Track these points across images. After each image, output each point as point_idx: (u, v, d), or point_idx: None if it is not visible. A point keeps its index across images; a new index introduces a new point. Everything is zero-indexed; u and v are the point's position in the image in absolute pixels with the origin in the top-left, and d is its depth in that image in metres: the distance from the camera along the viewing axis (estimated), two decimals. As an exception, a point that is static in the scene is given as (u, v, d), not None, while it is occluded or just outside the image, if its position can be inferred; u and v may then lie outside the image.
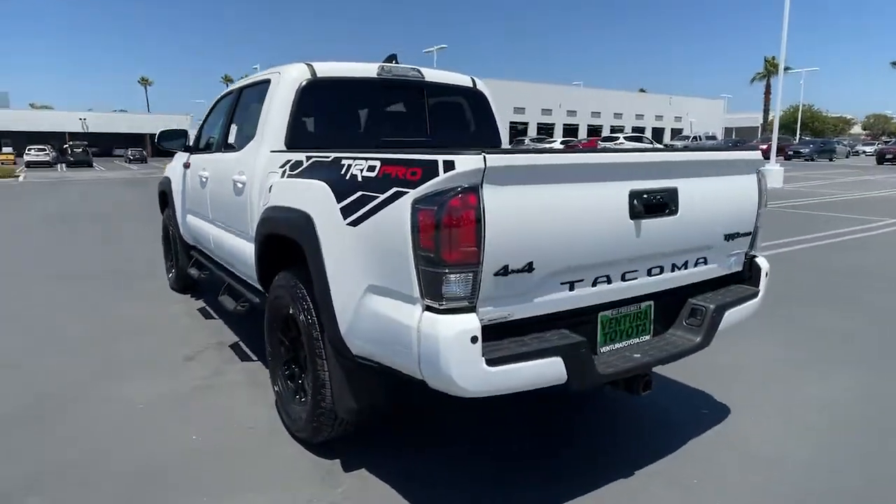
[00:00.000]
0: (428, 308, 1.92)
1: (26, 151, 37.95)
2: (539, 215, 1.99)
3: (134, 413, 3.23)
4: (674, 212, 2.34)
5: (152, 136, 6.61)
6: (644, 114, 65.85)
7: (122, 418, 3.16)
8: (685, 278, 2.58)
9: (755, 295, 2.80)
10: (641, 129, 59.82)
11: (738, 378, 3.66)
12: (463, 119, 4.21)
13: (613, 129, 59.31)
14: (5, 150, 40.96)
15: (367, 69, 3.71)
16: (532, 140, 47.38)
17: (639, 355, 2.38)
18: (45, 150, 38.63)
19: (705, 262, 2.64)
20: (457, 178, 1.87)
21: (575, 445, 2.92)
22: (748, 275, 2.87)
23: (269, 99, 3.42)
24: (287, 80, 3.40)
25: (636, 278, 2.37)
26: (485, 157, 1.86)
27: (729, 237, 2.65)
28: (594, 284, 2.24)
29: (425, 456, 2.80)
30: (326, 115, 3.66)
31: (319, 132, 3.56)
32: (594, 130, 60.16)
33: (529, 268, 1.98)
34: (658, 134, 62.81)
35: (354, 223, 2.21)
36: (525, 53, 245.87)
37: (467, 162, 1.86)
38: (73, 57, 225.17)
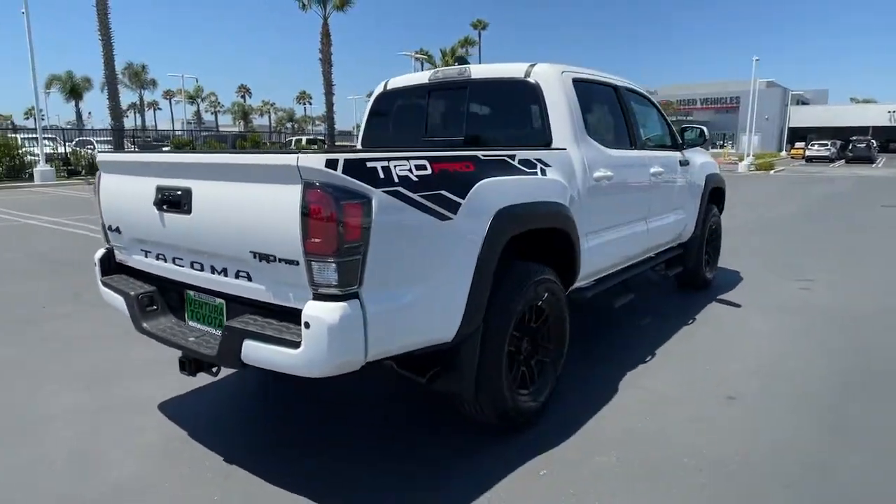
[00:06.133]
0: None
1: (808, 146, 41.30)
2: (118, 194, 2.90)
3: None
4: (186, 211, 2.45)
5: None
6: None
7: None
8: (229, 287, 2.43)
9: (294, 345, 2.13)
10: None
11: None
12: (509, 114, 3.91)
13: None
14: (798, 144, 44.24)
15: (422, 76, 4.04)
16: None
17: (193, 340, 2.53)
18: (826, 145, 40.80)
19: (249, 279, 2.33)
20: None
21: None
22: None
23: None
24: (374, 93, 4.34)
25: (183, 266, 2.63)
26: (95, 154, 3.01)
27: (264, 258, 2.21)
28: (157, 258, 2.77)
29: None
30: (386, 122, 4.36)
31: (378, 135, 4.36)
32: None
33: (118, 230, 2.94)
34: None
35: None
36: None
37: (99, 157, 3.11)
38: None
